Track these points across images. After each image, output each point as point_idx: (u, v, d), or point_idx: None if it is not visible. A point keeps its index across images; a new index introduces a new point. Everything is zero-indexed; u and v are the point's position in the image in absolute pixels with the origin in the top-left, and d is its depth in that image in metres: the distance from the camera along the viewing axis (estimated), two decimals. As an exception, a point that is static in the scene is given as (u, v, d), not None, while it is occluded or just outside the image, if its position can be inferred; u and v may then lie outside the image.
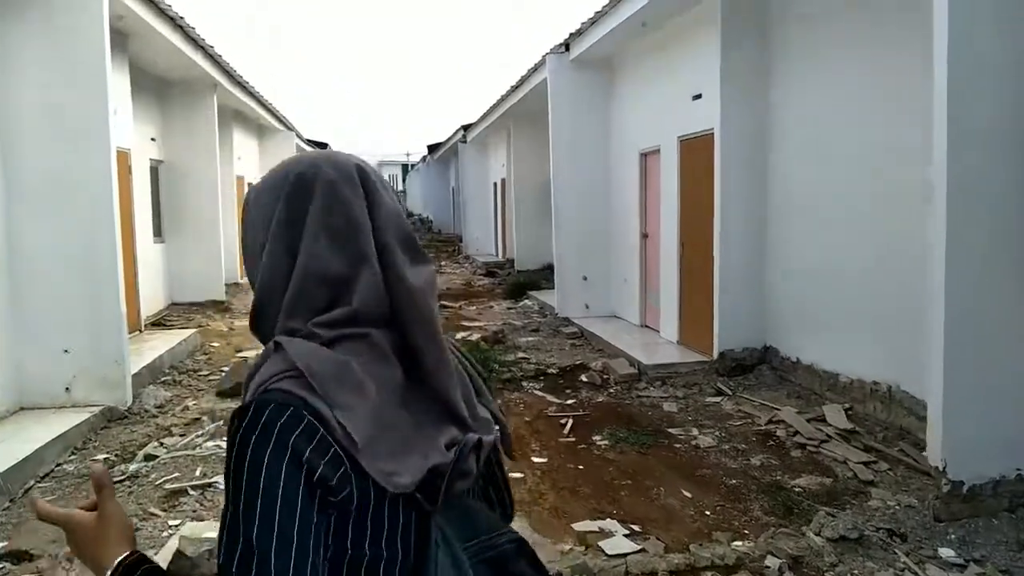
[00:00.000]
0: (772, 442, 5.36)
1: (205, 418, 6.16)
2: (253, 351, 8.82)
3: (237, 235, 14.93)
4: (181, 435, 5.83)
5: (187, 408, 6.59)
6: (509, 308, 12.31)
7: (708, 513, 4.20)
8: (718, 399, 6.51)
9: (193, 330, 9.40)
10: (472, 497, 0.99)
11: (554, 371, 7.66)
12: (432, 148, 30.78)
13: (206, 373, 7.88)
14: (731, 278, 7.11)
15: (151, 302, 10.92)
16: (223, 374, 7.50)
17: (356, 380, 0.85)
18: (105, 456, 5.38)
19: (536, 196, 16.62)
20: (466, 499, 0.95)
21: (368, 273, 0.91)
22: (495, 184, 21.68)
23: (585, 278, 10.30)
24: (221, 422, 5.94)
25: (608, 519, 4.11)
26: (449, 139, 26.04)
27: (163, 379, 7.53)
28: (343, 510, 0.84)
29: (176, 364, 8.11)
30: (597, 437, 5.55)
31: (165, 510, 4.38)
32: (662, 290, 8.56)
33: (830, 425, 5.54)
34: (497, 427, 1.01)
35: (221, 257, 12.67)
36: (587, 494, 4.50)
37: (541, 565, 0.99)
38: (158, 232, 11.87)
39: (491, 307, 12.52)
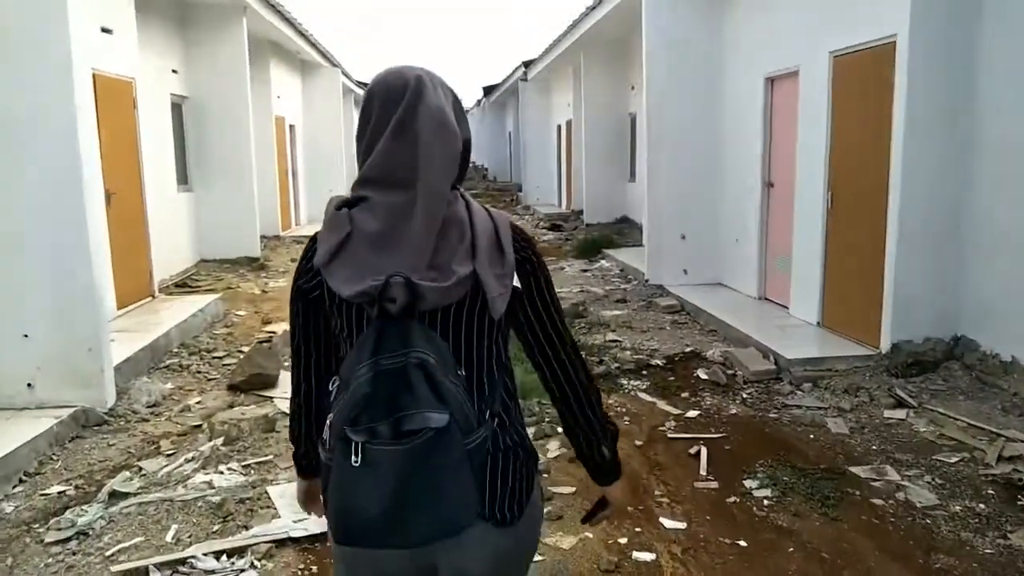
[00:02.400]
0: (1026, 501, 3.54)
1: (205, 428, 4.63)
2: (282, 324, 7.29)
3: (277, 182, 13.52)
4: (171, 453, 4.32)
5: (188, 409, 5.09)
6: (583, 270, 10.52)
7: (1001, 669, 2.44)
8: (900, 413, 4.68)
9: (214, 297, 7.89)
10: (439, 325, 1.29)
11: (659, 362, 5.90)
12: (488, 90, 28.67)
13: (222, 355, 6.37)
14: (913, 242, 5.18)
15: (174, 260, 9.50)
16: (240, 358, 5.99)
17: (335, 225, 1.30)
18: (60, 490, 3.90)
19: (609, 139, 14.61)
20: (411, 321, 1.23)
21: (382, 147, 1.30)
22: (559, 127, 19.68)
23: (683, 236, 8.41)
24: (221, 440, 4.37)
25: (826, 675, 2.40)
26: (507, 79, 23.95)
27: (168, 363, 6.05)
28: (318, 303, 1.37)
29: (188, 342, 6.61)
30: (750, 482, 3.80)
31: (109, 610, 2.84)
32: (796, 255, 6.64)
33: (1106, 472, 3.69)
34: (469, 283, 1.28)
35: (255, 208, 11.15)
36: (768, 605, 2.79)
37: (440, 383, 1.20)
38: (183, 179, 10.38)
39: (563, 269, 10.71)
